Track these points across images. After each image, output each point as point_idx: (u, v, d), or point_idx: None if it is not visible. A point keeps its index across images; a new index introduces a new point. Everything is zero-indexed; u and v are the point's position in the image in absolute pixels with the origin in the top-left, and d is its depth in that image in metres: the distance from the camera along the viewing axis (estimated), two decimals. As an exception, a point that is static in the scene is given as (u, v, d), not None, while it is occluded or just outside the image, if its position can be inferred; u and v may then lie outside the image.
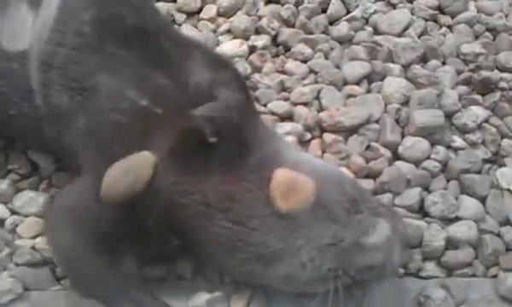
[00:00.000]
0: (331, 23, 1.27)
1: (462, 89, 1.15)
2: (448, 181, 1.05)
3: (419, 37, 1.23)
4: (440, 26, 1.27)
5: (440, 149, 1.06)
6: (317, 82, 1.15)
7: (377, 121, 1.09)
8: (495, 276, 0.98)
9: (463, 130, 1.10)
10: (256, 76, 1.15)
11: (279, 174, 0.85)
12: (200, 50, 0.99)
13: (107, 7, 0.95)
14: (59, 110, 0.91)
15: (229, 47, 1.20)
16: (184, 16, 1.27)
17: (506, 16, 1.29)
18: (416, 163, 1.05)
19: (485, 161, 1.08)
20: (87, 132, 0.89)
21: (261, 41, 1.21)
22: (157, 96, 0.89)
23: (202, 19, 1.26)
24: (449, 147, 1.08)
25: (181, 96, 0.90)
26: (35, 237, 0.97)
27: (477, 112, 1.11)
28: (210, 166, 0.86)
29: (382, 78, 1.15)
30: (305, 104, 1.12)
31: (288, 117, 1.10)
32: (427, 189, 1.03)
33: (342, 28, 1.23)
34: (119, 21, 0.94)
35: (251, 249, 0.84)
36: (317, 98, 1.13)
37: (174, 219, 0.86)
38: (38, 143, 0.99)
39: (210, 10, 1.27)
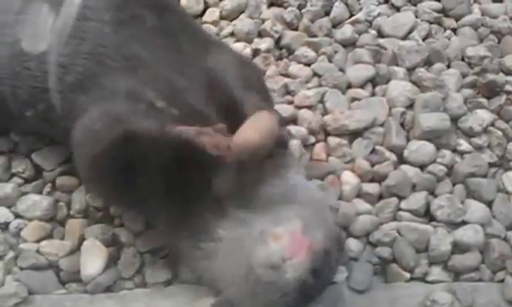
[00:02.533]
0: (334, 26, 1.26)
1: (468, 92, 1.15)
2: (454, 185, 1.04)
3: (423, 40, 1.23)
4: (445, 29, 1.27)
5: (446, 153, 1.05)
6: (320, 85, 1.15)
7: (382, 124, 1.09)
8: (502, 281, 0.98)
9: (469, 134, 1.09)
10: (260, 79, 1.15)
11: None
12: (220, 49, 0.99)
13: (128, 8, 0.94)
14: (75, 111, 0.90)
15: (232, 50, 1.19)
16: (188, 19, 1.27)
17: (510, 19, 1.29)
18: (422, 167, 1.05)
19: (491, 165, 1.07)
20: None
21: (264, 44, 1.21)
22: (173, 97, 0.88)
23: (205, 22, 1.26)
24: (454, 150, 1.07)
25: (197, 97, 0.90)
26: (39, 241, 0.96)
27: (483, 116, 1.10)
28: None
29: (387, 82, 1.15)
30: (310, 107, 1.11)
31: (292, 120, 1.09)
32: (432, 193, 1.03)
33: (346, 31, 1.23)
34: (140, 22, 0.94)
35: None
36: (321, 101, 1.12)
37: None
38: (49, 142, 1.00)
39: (213, 13, 1.27)
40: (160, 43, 0.93)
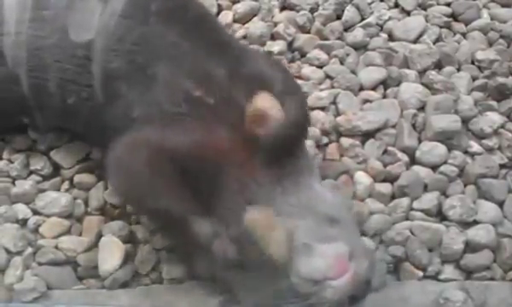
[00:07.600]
0: (346, 29, 1.27)
1: (478, 95, 1.16)
2: (465, 185, 1.05)
3: (434, 43, 1.24)
4: (454, 33, 1.28)
5: (457, 154, 1.06)
6: (333, 87, 1.16)
7: (394, 126, 1.10)
8: (513, 280, 0.99)
9: (480, 136, 1.10)
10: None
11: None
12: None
13: None
14: (117, 100, 0.91)
15: (245, 52, 1.21)
16: (201, 22, 1.28)
17: (520, 24, 1.30)
18: (434, 167, 1.06)
19: (502, 166, 1.08)
20: (141, 122, 0.90)
21: (277, 46, 1.22)
22: (210, 86, 0.90)
23: (219, 24, 1.27)
24: (466, 152, 1.08)
25: (233, 86, 0.91)
26: (58, 237, 0.98)
27: (493, 118, 1.11)
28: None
29: (398, 84, 1.16)
30: (322, 108, 1.13)
31: (305, 121, 1.10)
32: (444, 193, 1.04)
33: (357, 34, 1.24)
34: (184, 12, 0.96)
35: None
36: (334, 103, 1.13)
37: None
38: (84, 133, 1.01)
39: (226, 16, 1.28)
40: (200, 34, 0.95)
